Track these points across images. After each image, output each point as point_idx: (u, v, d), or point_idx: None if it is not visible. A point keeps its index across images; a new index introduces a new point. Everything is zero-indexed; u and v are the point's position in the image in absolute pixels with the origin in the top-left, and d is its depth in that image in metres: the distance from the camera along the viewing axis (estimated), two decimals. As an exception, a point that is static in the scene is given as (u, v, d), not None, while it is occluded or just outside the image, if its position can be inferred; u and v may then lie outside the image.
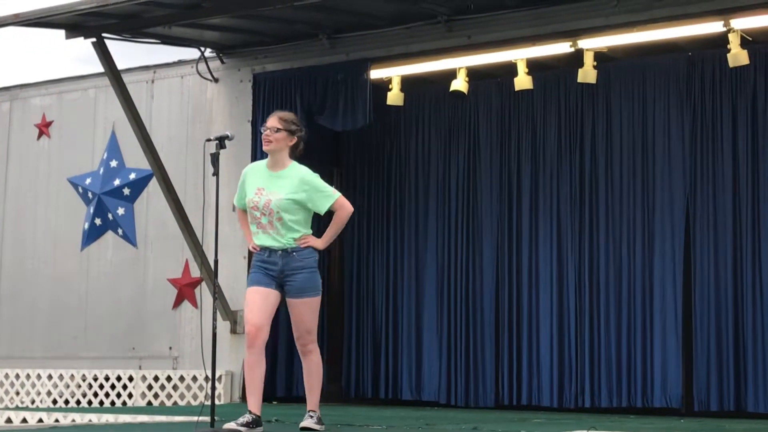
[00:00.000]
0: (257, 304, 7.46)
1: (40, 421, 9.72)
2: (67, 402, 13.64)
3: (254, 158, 11.91)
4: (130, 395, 13.30)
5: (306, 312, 7.49)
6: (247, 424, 7.34)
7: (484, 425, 8.49)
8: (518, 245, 12.43)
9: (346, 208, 7.62)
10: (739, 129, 11.39)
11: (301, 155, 7.71)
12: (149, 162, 12.54)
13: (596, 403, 11.69)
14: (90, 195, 14.10)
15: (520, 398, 12.17)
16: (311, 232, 7.56)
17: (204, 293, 12.89)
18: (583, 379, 11.80)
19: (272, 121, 7.58)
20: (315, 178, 7.57)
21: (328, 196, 7.55)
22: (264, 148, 7.62)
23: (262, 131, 7.61)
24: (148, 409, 11.36)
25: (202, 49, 13.21)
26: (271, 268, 7.48)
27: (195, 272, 13.06)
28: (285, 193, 7.44)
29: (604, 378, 11.71)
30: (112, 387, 13.46)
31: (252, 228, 7.56)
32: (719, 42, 10.96)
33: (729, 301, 11.22)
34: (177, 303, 13.29)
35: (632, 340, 11.66)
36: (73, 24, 11.85)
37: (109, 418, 9.40)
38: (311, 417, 7.58)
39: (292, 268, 7.44)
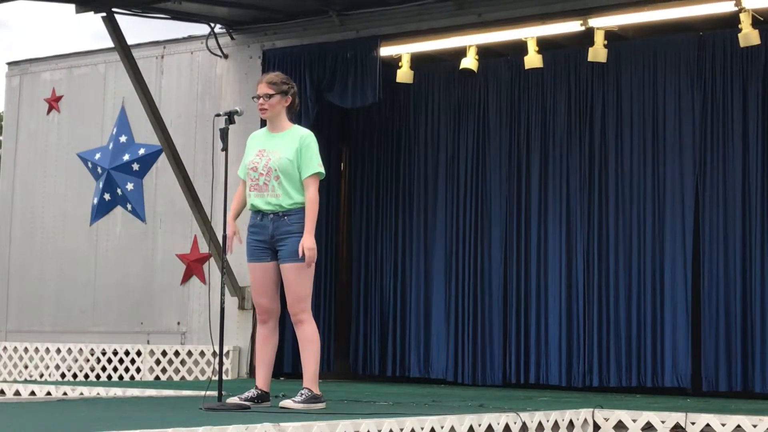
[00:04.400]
0: (259, 282, 7.47)
1: (49, 394, 9.74)
2: (75, 376, 13.69)
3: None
4: (138, 370, 13.34)
5: (297, 277, 7.35)
6: (251, 399, 7.36)
7: (491, 402, 8.50)
8: (527, 223, 12.43)
9: (312, 191, 7.37)
10: (749, 109, 11.35)
11: (297, 109, 7.70)
12: (158, 137, 12.54)
13: (604, 382, 11.69)
14: (99, 170, 14.11)
15: (528, 377, 12.19)
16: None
17: (212, 269, 12.93)
18: (591, 358, 11.80)
19: (262, 89, 7.54)
20: (312, 142, 7.47)
21: (311, 166, 7.38)
22: (262, 116, 7.62)
23: (255, 101, 7.58)
24: (156, 383, 11.39)
25: (212, 25, 13.20)
26: (261, 232, 7.43)
27: (203, 248, 13.09)
28: (284, 151, 7.41)
29: (613, 357, 11.71)
30: (121, 361, 13.50)
31: (248, 192, 7.50)
32: (730, 21, 10.93)
33: (738, 281, 11.21)
34: (185, 278, 13.32)
35: (641, 320, 11.65)
36: (84, -2, 11.85)
37: (117, 391, 9.43)
38: (301, 395, 7.33)
39: (283, 232, 7.36)
